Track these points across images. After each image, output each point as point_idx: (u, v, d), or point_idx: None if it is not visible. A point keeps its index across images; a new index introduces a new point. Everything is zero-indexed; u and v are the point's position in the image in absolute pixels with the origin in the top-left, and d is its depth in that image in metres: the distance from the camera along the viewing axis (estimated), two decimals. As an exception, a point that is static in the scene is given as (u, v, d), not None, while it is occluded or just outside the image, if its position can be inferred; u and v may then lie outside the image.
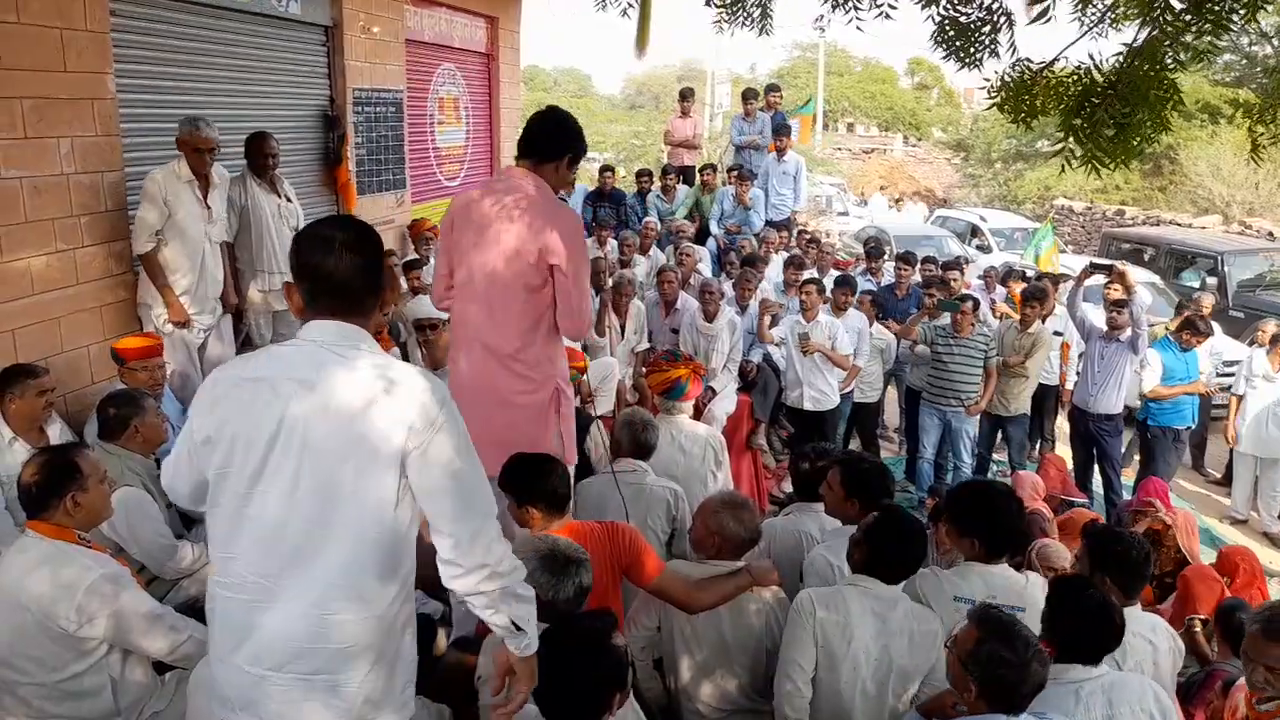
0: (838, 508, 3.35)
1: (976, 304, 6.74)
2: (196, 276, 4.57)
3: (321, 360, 1.74)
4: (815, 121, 10.88)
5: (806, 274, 7.22)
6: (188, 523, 3.69)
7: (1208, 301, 8.16)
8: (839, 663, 2.65)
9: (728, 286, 6.86)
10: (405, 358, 5.40)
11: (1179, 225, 16.39)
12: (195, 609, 3.18)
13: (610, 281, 6.37)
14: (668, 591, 2.85)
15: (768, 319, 6.44)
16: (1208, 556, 5.34)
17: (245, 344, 5.19)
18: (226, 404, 1.77)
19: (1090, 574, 2.96)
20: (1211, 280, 11.33)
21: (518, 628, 1.85)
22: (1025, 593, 2.98)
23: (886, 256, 9.24)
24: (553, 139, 2.98)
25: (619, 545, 2.83)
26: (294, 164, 6.12)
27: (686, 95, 10.83)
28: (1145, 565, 2.99)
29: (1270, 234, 15.13)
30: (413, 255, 7.12)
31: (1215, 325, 7.89)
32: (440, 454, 1.74)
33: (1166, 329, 7.34)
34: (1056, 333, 7.40)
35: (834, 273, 8.11)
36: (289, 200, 5.24)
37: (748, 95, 10.26)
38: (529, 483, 2.79)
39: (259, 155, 5.07)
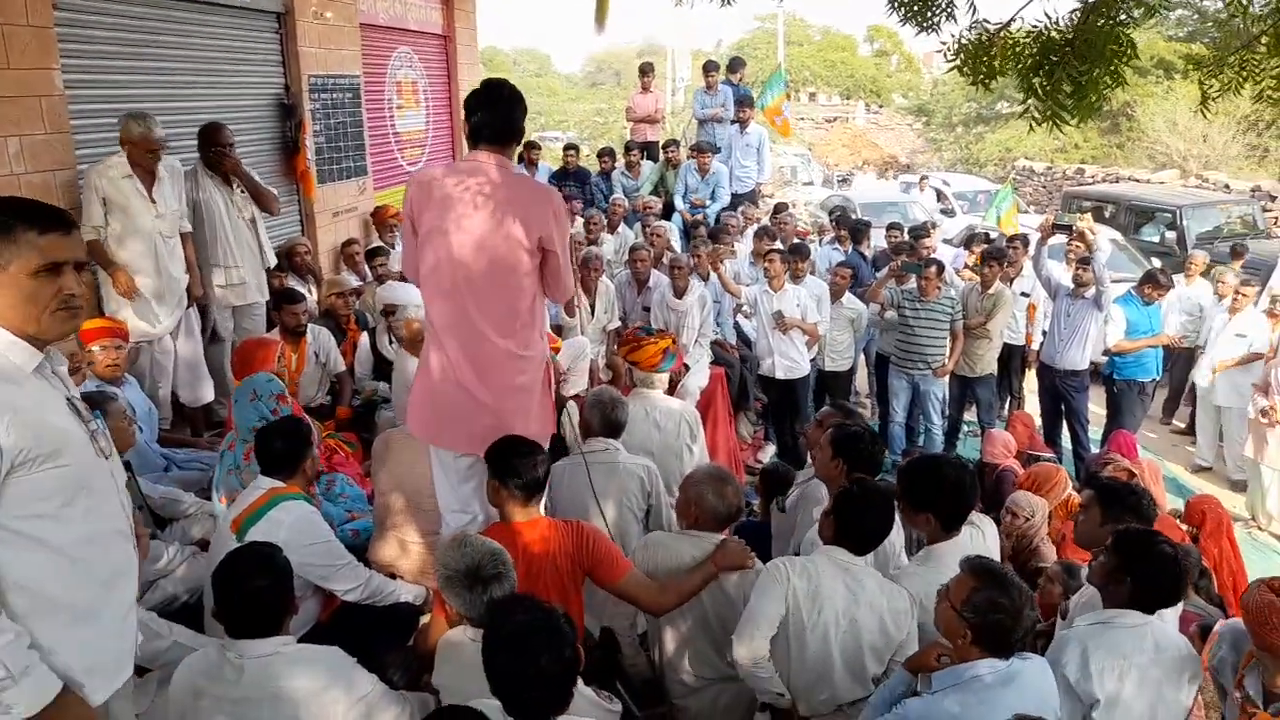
0: (825, 469, 3.37)
1: (941, 267, 6.80)
2: (155, 274, 4.48)
3: None
4: (788, 99, 10.86)
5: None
6: (160, 523, 3.64)
7: (1200, 259, 8.30)
8: (805, 631, 2.67)
9: (697, 261, 6.86)
10: (373, 344, 5.35)
11: (1138, 181, 16.59)
12: (172, 610, 3.17)
13: (578, 260, 6.35)
14: (632, 595, 2.89)
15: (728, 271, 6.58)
16: (1175, 505, 5.46)
17: (213, 339, 5.12)
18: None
19: (1102, 524, 3.05)
20: (1171, 234, 11.49)
21: None
22: (983, 549, 3.04)
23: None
24: (514, 121, 2.91)
25: (582, 546, 2.83)
26: (252, 154, 6.01)
27: (647, 70, 10.76)
28: (1155, 517, 3.22)
29: (1226, 186, 15.36)
30: (377, 243, 7.04)
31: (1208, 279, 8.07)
32: None
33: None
34: (1024, 294, 7.49)
35: (793, 240, 8.13)
36: (243, 191, 5.14)
37: (709, 68, 10.21)
38: (514, 465, 2.78)
39: (211, 146, 4.96)
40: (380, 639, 3.11)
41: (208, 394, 4.94)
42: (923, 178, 16.38)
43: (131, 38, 4.97)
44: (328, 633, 3.00)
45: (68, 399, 1.90)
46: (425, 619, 3.31)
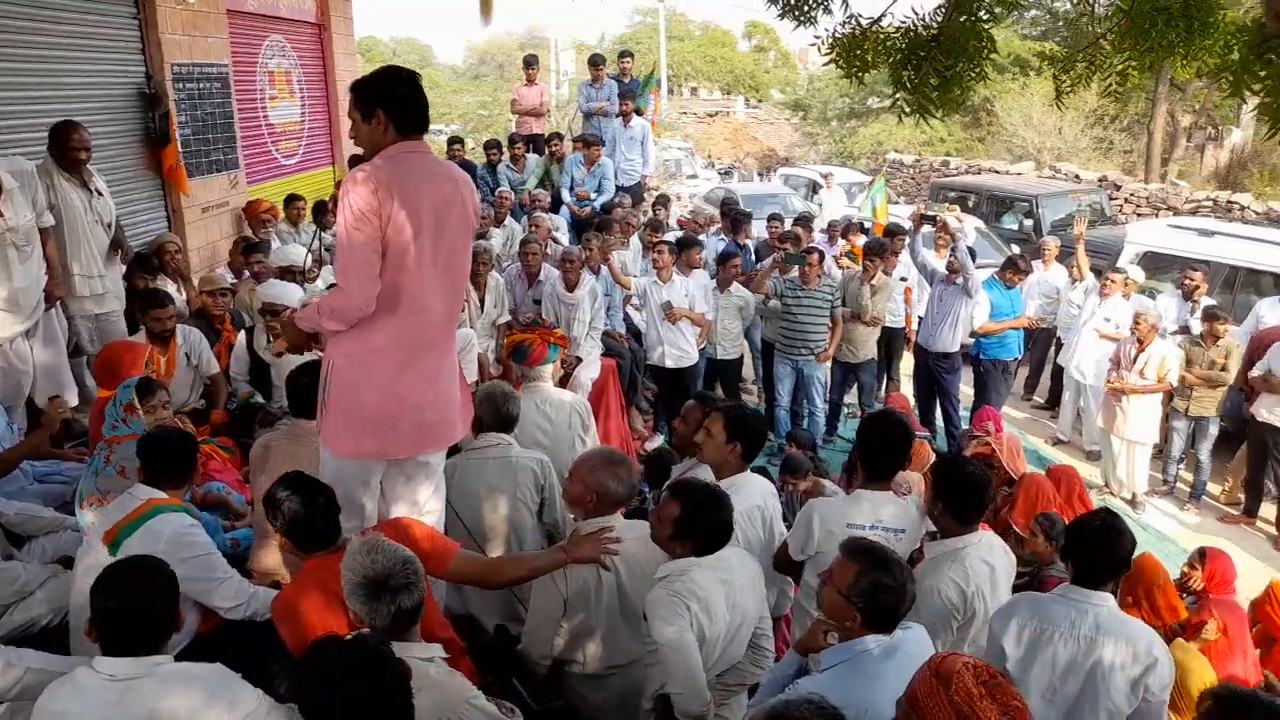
0: (717, 454, 3.42)
1: (821, 256, 7.03)
2: (5, 282, 4.11)
3: None
4: (659, 92, 11.02)
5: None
6: (16, 541, 3.40)
7: (1053, 245, 8.82)
8: (713, 639, 2.70)
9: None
10: (250, 343, 5.12)
11: (998, 172, 17.56)
12: (32, 635, 2.97)
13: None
14: (465, 576, 2.92)
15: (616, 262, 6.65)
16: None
17: (76, 352, 4.78)
18: None
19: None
20: (1028, 222, 12.22)
21: None
22: (906, 515, 3.22)
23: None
24: (427, 109, 2.86)
25: (400, 541, 2.67)
26: (111, 148, 5.67)
27: (531, 63, 10.68)
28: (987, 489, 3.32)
29: (1077, 176, 16.45)
30: (251, 239, 6.75)
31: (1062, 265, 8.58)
32: None
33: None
34: (902, 278, 7.84)
35: (678, 232, 8.26)
36: (100, 194, 4.82)
37: (596, 61, 10.21)
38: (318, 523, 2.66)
39: (68, 148, 4.60)
40: (266, 647, 3.00)
41: (70, 399, 4.62)
42: (827, 175, 16.75)
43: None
44: (210, 645, 2.86)
45: None
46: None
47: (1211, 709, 2.15)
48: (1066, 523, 4.40)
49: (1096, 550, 2.72)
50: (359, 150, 2.92)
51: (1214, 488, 7.18)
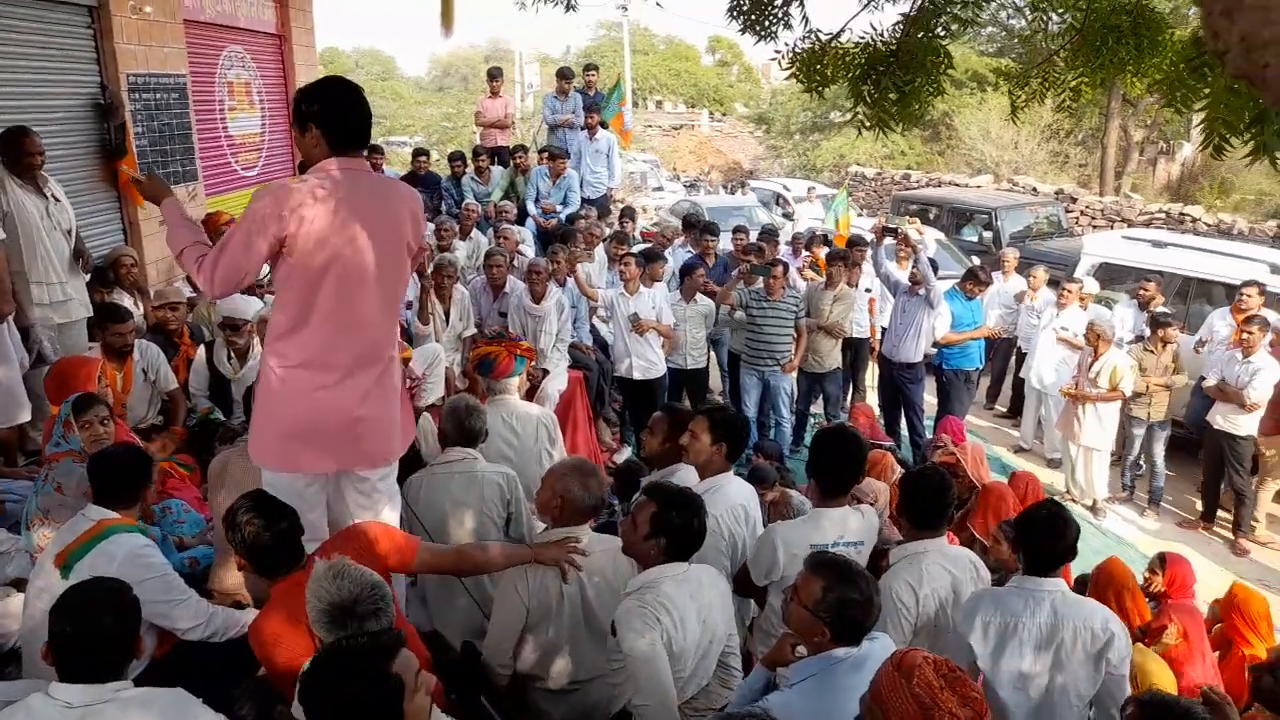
0: (702, 456, 3.41)
1: (786, 268, 7.09)
2: None
3: None
4: (627, 103, 11.09)
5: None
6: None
7: (1012, 256, 8.97)
8: (683, 654, 2.68)
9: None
10: (210, 358, 5.03)
11: (958, 185, 17.85)
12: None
13: (430, 267, 6.22)
14: (433, 567, 2.93)
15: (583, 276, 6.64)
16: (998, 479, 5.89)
17: (38, 361, 4.67)
18: None
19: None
20: (988, 234, 12.42)
21: None
22: (864, 526, 3.23)
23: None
24: (369, 126, 2.79)
25: (362, 550, 2.65)
26: (63, 159, 5.55)
27: (495, 75, 10.67)
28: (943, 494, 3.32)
29: (1034, 189, 16.79)
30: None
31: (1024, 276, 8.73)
32: None
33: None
34: (866, 289, 7.91)
35: (642, 245, 8.29)
36: (57, 200, 4.72)
37: (563, 74, 10.23)
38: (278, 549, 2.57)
39: (22, 154, 4.50)
40: (227, 670, 2.93)
41: (20, 415, 4.50)
42: (811, 188, 16.99)
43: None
44: (168, 669, 2.80)
45: None
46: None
47: (1134, 714, 2.24)
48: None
49: (1045, 539, 2.82)
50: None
51: (1180, 495, 7.33)
